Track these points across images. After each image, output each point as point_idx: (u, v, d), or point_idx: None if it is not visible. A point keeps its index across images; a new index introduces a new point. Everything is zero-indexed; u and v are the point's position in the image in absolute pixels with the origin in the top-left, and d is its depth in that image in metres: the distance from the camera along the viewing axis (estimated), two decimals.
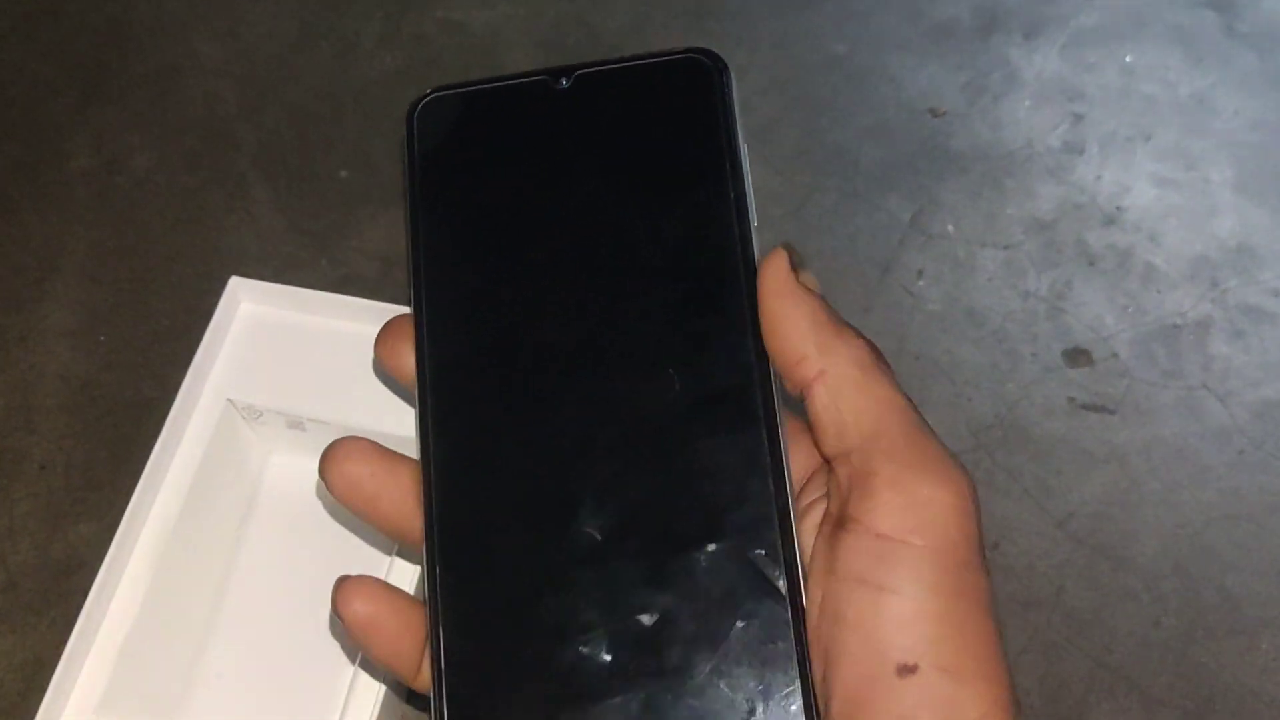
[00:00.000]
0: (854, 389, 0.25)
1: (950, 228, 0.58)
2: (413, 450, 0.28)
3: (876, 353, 0.26)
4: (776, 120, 0.62)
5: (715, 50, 0.30)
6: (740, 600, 0.25)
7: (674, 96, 0.30)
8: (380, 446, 0.28)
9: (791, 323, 0.26)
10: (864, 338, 0.26)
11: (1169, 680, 0.45)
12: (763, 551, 0.25)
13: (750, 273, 0.27)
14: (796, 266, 0.26)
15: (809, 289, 0.26)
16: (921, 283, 0.56)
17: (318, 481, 0.47)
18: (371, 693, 0.41)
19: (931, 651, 0.23)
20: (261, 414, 0.46)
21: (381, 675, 0.40)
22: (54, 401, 0.51)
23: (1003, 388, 0.53)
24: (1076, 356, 0.54)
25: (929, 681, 0.23)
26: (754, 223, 0.28)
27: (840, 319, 0.26)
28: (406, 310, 0.29)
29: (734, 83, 0.30)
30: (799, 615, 0.25)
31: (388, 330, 0.29)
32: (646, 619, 0.26)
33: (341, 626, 0.27)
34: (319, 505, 0.47)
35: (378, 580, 0.27)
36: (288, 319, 0.49)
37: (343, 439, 0.28)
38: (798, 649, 0.25)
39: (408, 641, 0.27)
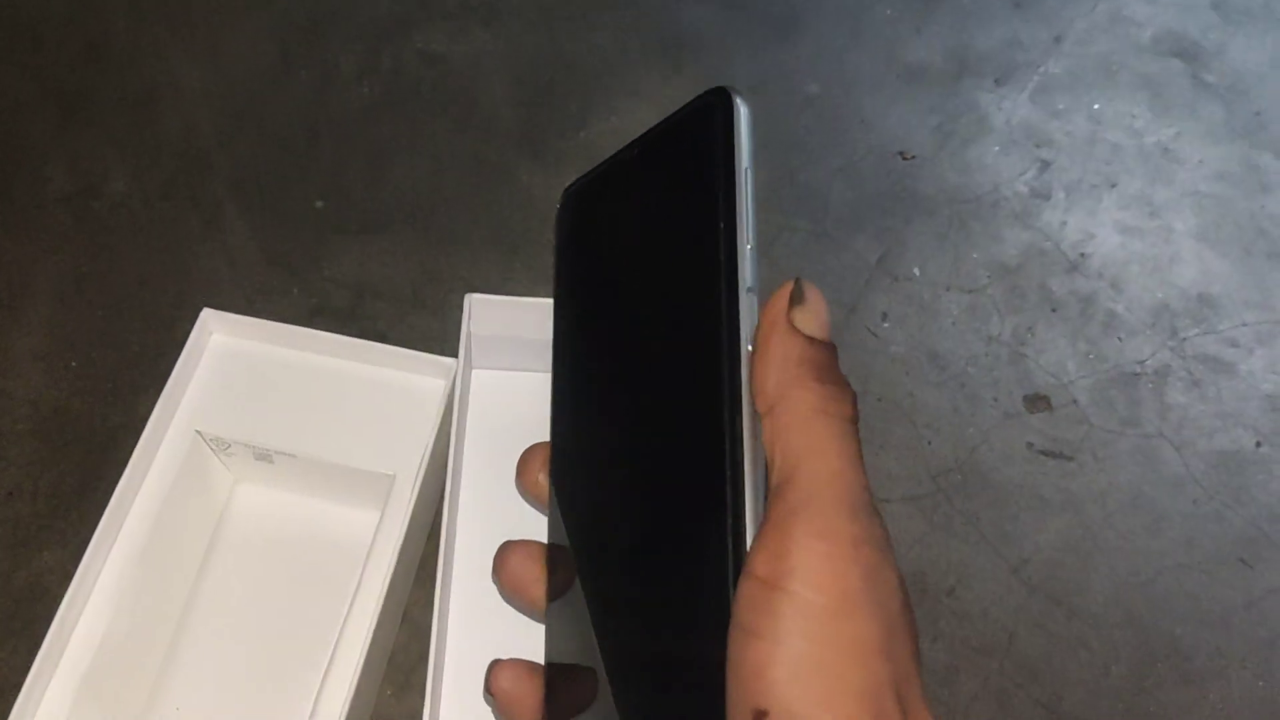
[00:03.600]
0: (794, 433, 0.26)
1: (916, 270, 0.59)
2: None
3: (838, 403, 0.27)
4: None
5: (727, 87, 0.30)
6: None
7: (688, 149, 0.29)
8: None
9: (764, 359, 0.27)
10: (833, 386, 0.27)
11: None
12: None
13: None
14: (795, 302, 0.27)
15: (796, 329, 0.27)
16: (886, 324, 0.57)
17: (283, 512, 0.48)
18: None
19: (786, 696, 0.24)
20: (230, 446, 0.47)
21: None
22: (24, 427, 0.51)
23: (963, 432, 0.54)
24: (1036, 402, 0.55)
25: None
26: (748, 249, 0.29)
27: (819, 362, 0.27)
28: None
29: (743, 114, 0.30)
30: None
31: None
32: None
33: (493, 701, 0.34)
34: (284, 537, 0.47)
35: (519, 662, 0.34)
36: (258, 351, 0.49)
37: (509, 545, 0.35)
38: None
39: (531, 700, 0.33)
